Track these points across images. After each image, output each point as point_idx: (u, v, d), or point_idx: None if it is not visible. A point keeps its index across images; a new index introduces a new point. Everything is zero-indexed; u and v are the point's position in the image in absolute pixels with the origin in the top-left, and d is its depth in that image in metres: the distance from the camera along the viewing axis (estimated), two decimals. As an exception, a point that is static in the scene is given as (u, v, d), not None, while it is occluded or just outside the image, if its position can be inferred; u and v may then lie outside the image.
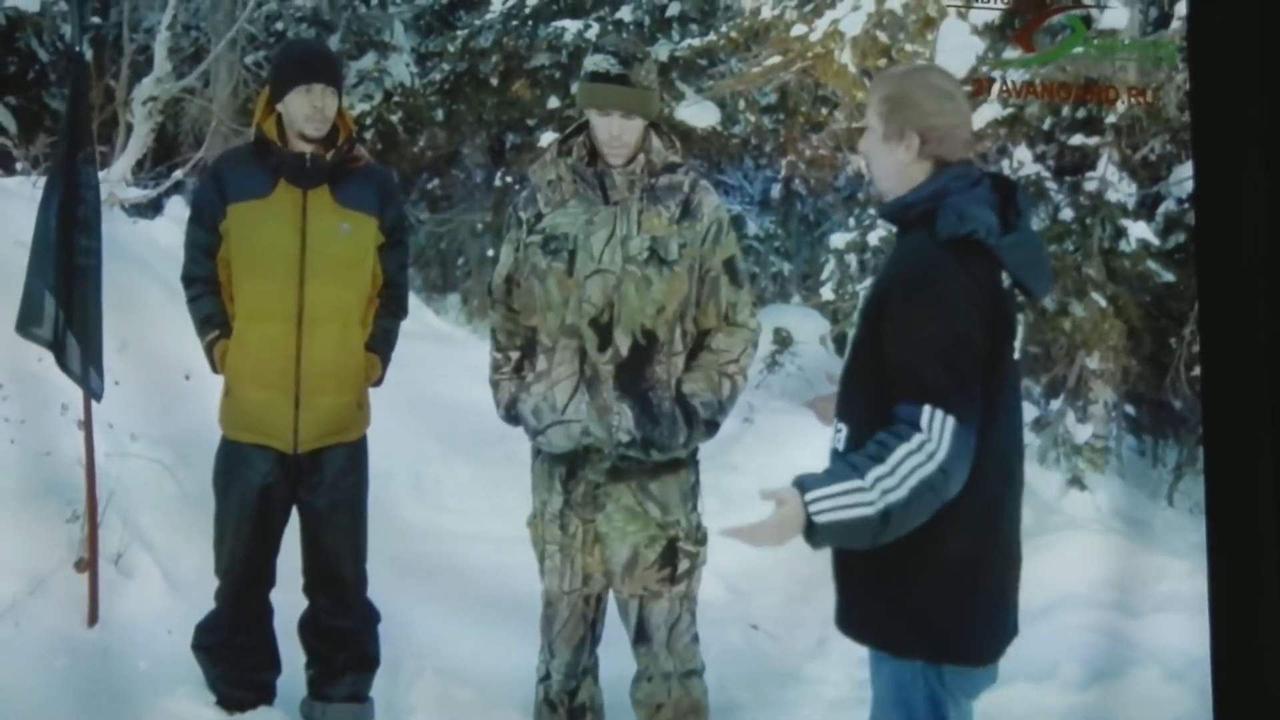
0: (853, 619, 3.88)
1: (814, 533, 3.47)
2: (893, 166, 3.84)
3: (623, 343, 4.79)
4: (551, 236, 4.87)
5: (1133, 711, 6.20)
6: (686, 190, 4.90)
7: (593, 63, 4.84)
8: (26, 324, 6.11)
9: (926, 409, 3.46)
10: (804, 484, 3.50)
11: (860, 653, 4.03)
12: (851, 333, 3.93)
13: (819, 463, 3.77)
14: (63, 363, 6.11)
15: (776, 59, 11.90)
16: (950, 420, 3.47)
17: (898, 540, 3.54)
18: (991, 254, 3.68)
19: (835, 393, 4.15)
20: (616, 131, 4.81)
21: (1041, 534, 8.44)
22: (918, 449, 3.44)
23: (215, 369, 5.43)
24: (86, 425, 6.25)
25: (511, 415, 5.07)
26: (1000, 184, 3.84)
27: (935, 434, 3.46)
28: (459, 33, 16.24)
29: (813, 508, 3.43)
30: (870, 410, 3.66)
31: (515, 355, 5.09)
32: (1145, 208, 10.40)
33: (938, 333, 3.56)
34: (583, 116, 4.97)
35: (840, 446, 3.79)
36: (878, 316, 3.66)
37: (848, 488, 3.45)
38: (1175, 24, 9.45)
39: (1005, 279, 3.77)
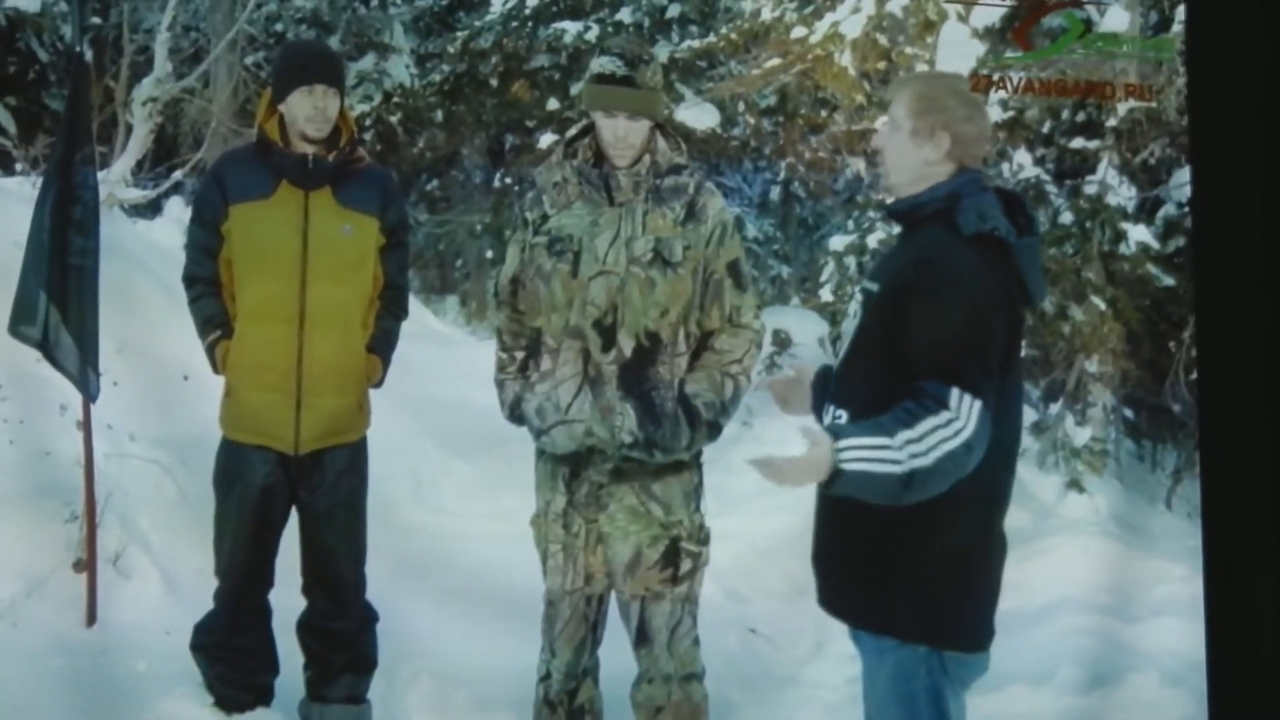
0: (856, 604, 3.91)
1: (837, 479, 3.56)
2: (917, 163, 3.89)
3: (626, 344, 4.80)
4: (557, 238, 4.87)
5: (1130, 716, 6.21)
6: (691, 192, 4.90)
7: (599, 64, 4.84)
8: (17, 323, 6.11)
9: (955, 390, 3.55)
10: (837, 431, 3.62)
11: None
12: (850, 324, 3.96)
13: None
14: (54, 362, 6.11)
15: (776, 61, 11.91)
16: (977, 403, 3.57)
17: (905, 525, 3.60)
18: (1008, 254, 3.75)
19: (791, 376, 4.27)
20: (622, 133, 4.81)
21: (1040, 537, 8.45)
22: (945, 425, 3.54)
23: (217, 370, 5.42)
24: (85, 426, 6.24)
25: (516, 415, 5.06)
26: (1004, 195, 3.91)
27: (963, 414, 3.56)
28: (458, 34, 16.25)
29: (842, 454, 3.51)
30: (872, 397, 3.72)
31: (520, 355, 5.08)
32: (1145, 211, 10.42)
33: (966, 322, 3.66)
34: (586, 118, 4.98)
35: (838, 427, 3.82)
36: (896, 306, 3.71)
37: (878, 443, 3.55)
38: (1176, 28, 9.46)
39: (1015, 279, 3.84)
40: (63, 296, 6.02)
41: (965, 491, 3.64)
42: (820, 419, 4.06)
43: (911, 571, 3.75)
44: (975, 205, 3.79)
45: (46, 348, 6.07)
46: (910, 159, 3.91)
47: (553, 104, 15.56)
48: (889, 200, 4.12)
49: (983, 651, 3.90)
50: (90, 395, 6.15)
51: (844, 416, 3.84)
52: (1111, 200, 9.94)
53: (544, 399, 4.90)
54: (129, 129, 10.96)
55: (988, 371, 3.63)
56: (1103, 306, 9.75)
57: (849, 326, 3.98)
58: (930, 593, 3.76)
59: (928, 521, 3.65)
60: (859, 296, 3.97)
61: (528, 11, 15.50)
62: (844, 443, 3.54)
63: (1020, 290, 3.86)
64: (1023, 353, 4.00)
